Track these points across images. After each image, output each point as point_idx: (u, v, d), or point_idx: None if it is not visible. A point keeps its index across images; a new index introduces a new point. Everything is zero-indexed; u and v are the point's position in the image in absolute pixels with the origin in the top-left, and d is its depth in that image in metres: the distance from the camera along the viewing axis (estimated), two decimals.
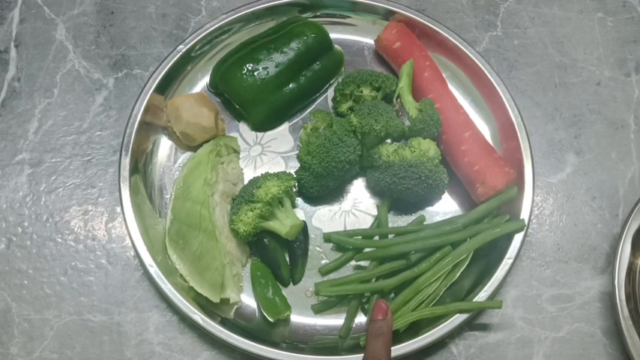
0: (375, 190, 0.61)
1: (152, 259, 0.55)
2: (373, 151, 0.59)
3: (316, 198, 0.61)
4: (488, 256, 0.58)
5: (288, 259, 0.58)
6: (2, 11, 0.68)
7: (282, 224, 0.56)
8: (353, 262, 0.59)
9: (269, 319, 0.55)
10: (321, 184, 0.58)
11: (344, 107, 0.62)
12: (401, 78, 0.61)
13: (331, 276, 0.59)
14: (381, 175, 0.59)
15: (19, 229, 0.60)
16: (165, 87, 0.63)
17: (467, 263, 0.57)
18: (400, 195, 0.59)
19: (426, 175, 0.57)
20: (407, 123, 0.60)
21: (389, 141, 0.60)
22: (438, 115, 0.59)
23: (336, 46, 0.65)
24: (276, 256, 0.57)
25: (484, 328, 0.58)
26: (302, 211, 0.61)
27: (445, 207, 0.62)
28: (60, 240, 0.60)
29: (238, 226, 0.56)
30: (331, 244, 0.60)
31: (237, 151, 0.62)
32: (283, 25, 0.64)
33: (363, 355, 0.53)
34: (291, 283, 0.58)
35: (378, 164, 0.58)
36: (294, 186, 0.57)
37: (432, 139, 0.59)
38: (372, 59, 0.67)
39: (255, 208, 0.55)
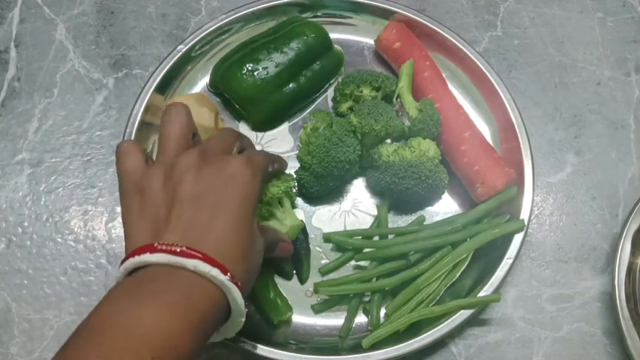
0: (375, 190, 0.61)
1: None
2: (373, 151, 0.59)
3: (316, 198, 0.61)
4: (488, 256, 0.58)
5: (290, 261, 0.58)
6: (2, 11, 0.68)
7: (281, 224, 0.56)
8: (353, 262, 0.59)
9: (272, 320, 0.55)
10: (321, 184, 0.58)
11: (344, 107, 0.62)
12: (401, 78, 0.61)
13: (331, 276, 0.59)
14: (381, 175, 0.59)
15: (19, 229, 0.60)
16: (165, 87, 0.63)
17: (467, 263, 0.57)
18: (400, 195, 0.59)
19: (426, 175, 0.57)
20: (407, 123, 0.60)
21: (389, 141, 0.60)
22: (437, 115, 0.59)
23: (336, 46, 0.65)
24: None
25: (484, 327, 0.58)
26: (302, 211, 0.61)
27: (445, 207, 0.62)
28: (60, 240, 0.60)
29: None
30: (331, 244, 0.60)
31: None
32: (283, 25, 0.64)
33: (362, 354, 0.53)
34: (299, 283, 0.58)
35: (378, 164, 0.59)
36: (294, 186, 0.57)
37: (432, 139, 0.59)
38: (372, 59, 0.67)
39: None
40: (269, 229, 0.52)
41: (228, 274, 0.39)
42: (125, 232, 0.42)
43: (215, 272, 0.38)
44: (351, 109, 0.62)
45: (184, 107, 0.47)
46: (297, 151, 0.60)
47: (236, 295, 0.40)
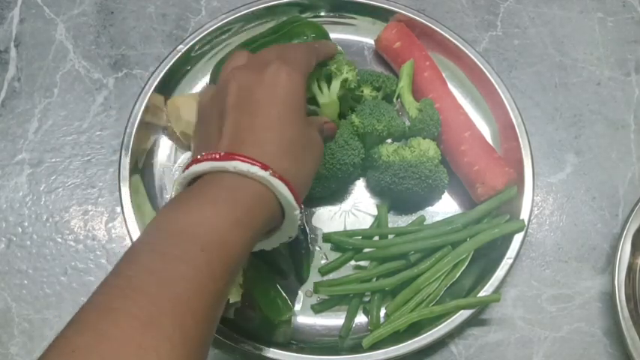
0: (375, 190, 0.61)
1: None
2: (373, 151, 0.59)
3: (317, 198, 0.61)
4: (488, 256, 0.58)
5: (289, 260, 0.58)
6: (2, 11, 0.68)
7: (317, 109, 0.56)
8: (353, 262, 0.59)
9: (272, 320, 0.55)
10: (323, 185, 0.58)
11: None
12: (401, 78, 0.61)
13: (331, 276, 0.59)
14: (381, 175, 0.59)
15: (19, 229, 0.60)
16: (165, 87, 0.63)
17: (467, 263, 0.57)
18: (400, 195, 0.59)
19: (426, 175, 0.57)
20: (407, 123, 0.60)
21: (389, 141, 0.60)
22: (438, 115, 0.59)
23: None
24: (272, 251, 0.57)
25: (484, 327, 0.58)
26: None
27: (445, 207, 0.62)
28: (60, 240, 0.60)
29: None
30: (331, 244, 0.60)
31: None
32: (283, 25, 0.64)
33: (362, 354, 0.53)
34: (299, 283, 0.58)
35: (378, 164, 0.58)
36: (341, 63, 0.56)
37: (432, 139, 0.59)
38: (372, 59, 0.67)
39: None
40: (313, 118, 0.53)
41: (270, 170, 0.41)
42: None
43: (255, 169, 0.40)
44: (352, 109, 0.62)
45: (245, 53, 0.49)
46: None
47: (281, 189, 0.41)
